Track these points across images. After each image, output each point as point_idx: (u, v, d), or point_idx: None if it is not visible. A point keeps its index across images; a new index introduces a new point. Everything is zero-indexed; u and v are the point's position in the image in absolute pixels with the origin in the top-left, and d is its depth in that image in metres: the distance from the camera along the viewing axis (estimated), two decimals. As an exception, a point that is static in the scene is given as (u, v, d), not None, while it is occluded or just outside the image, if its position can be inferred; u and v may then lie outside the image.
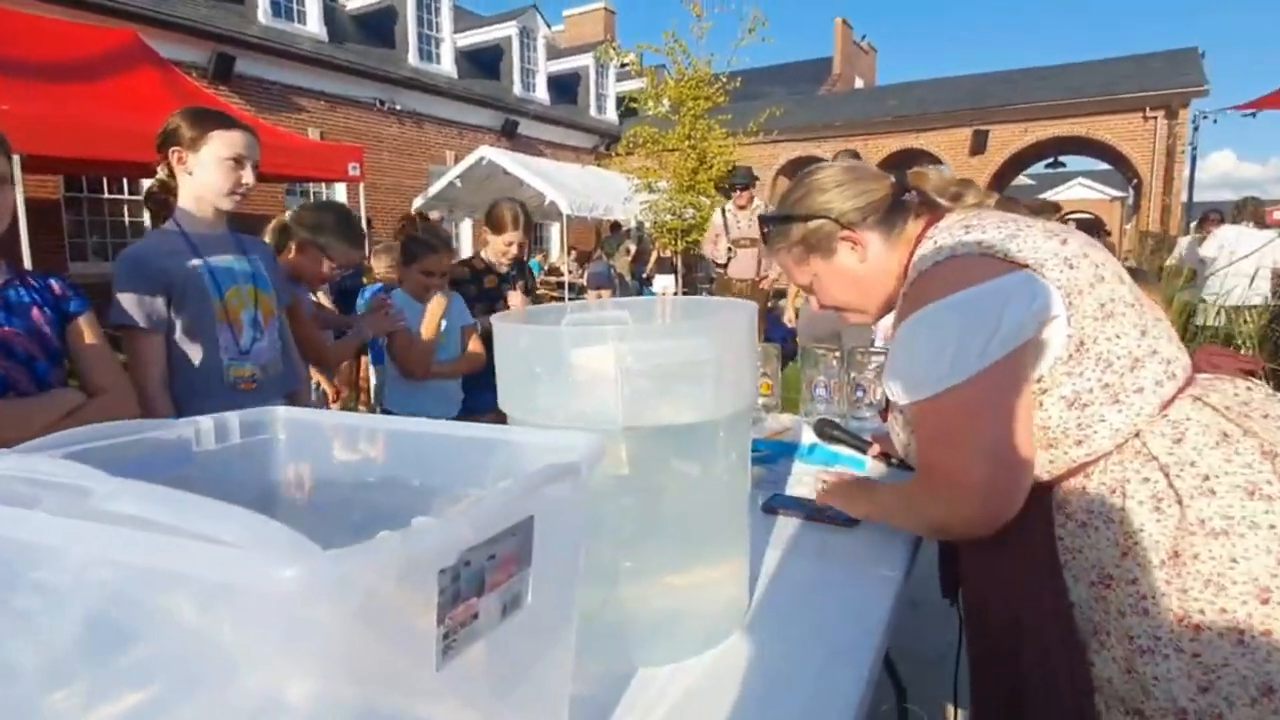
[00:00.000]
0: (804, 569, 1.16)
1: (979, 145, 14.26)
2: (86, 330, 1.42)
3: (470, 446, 0.73)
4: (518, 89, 16.09)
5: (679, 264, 9.63)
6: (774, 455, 1.73)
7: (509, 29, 16.19)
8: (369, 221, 8.60)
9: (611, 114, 18.60)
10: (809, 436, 1.84)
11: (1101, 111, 13.43)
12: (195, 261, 1.68)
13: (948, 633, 1.35)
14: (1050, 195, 18.44)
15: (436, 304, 2.50)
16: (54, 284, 1.42)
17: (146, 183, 1.81)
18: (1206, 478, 0.85)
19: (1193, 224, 8.29)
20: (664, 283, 6.23)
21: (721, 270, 5.78)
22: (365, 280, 4.37)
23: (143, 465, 0.69)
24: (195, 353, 1.67)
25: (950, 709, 1.97)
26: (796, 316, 4.64)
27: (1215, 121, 9.74)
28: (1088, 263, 0.93)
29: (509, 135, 15.06)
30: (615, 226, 11.80)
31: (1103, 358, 0.90)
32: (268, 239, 2.31)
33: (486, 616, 0.52)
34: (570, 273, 11.57)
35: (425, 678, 0.48)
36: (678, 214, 9.48)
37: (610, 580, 0.89)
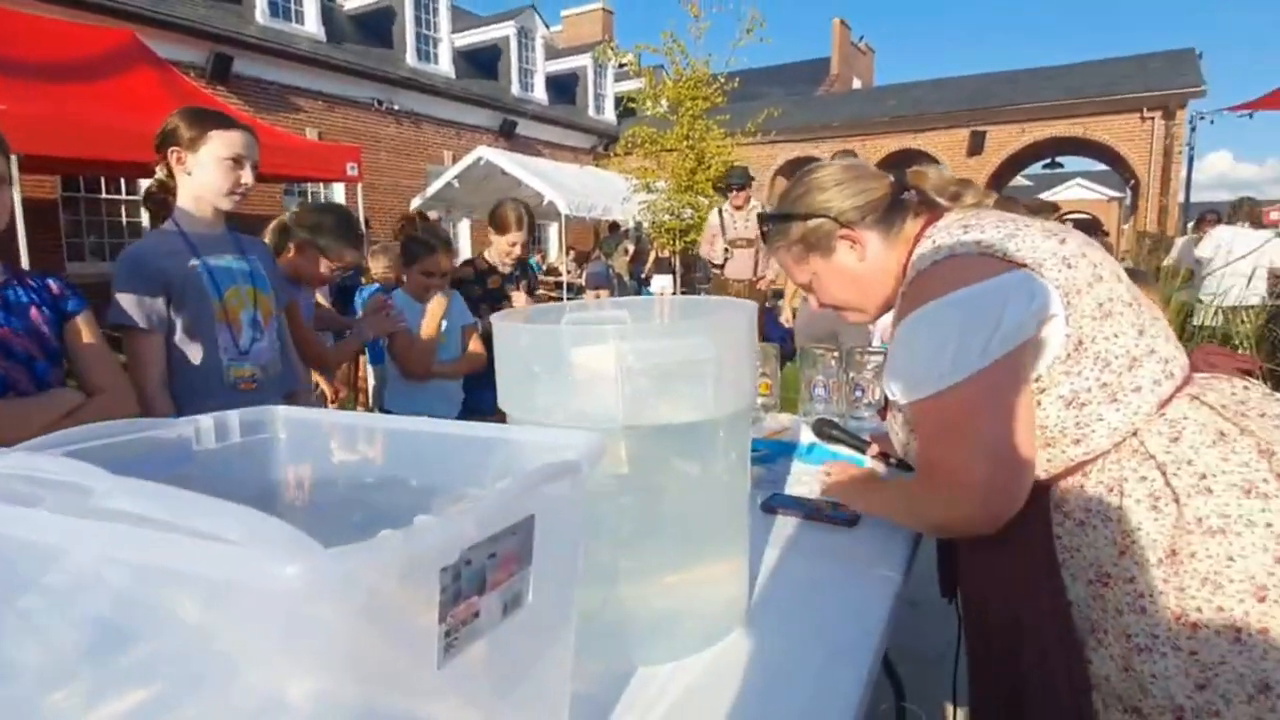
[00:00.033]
0: (803, 568, 1.17)
1: (976, 146, 14.28)
2: (85, 330, 1.42)
3: (470, 445, 0.73)
4: (516, 89, 16.08)
5: (677, 264, 9.63)
6: (773, 455, 1.73)
7: (507, 29, 16.19)
8: (366, 222, 8.59)
9: (610, 114, 18.60)
10: (808, 436, 1.84)
11: (1099, 112, 13.46)
12: (194, 261, 1.68)
13: (946, 632, 1.35)
14: (1048, 196, 18.44)
15: (437, 304, 2.50)
16: (52, 284, 1.42)
17: (144, 183, 1.81)
18: (1204, 476, 0.86)
19: (1190, 224, 8.32)
20: (661, 283, 6.23)
21: (718, 271, 5.77)
22: (363, 280, 4.37)
23: (142, 464, 0.69)
24: (195, 353, 1.67)
25: (949, 708, 1.97)
26: (794, 316, 4.65)
27: (1212, 122, 9.77)
28: (1086, 262, 0.93)
29: (507, 135, 15.06)
30: (614, 227, 11.80)
31: (1101, 357, 0.91)
32: (267, 240, 2.31)
33: (488, 615, 0.52)
34: (568, 273, 11.58)
35: (427, 676, 0.49)
36: (676, 214, 9.49)
37: (610, 579, 0.89)
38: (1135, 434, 0.91)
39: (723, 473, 0.94)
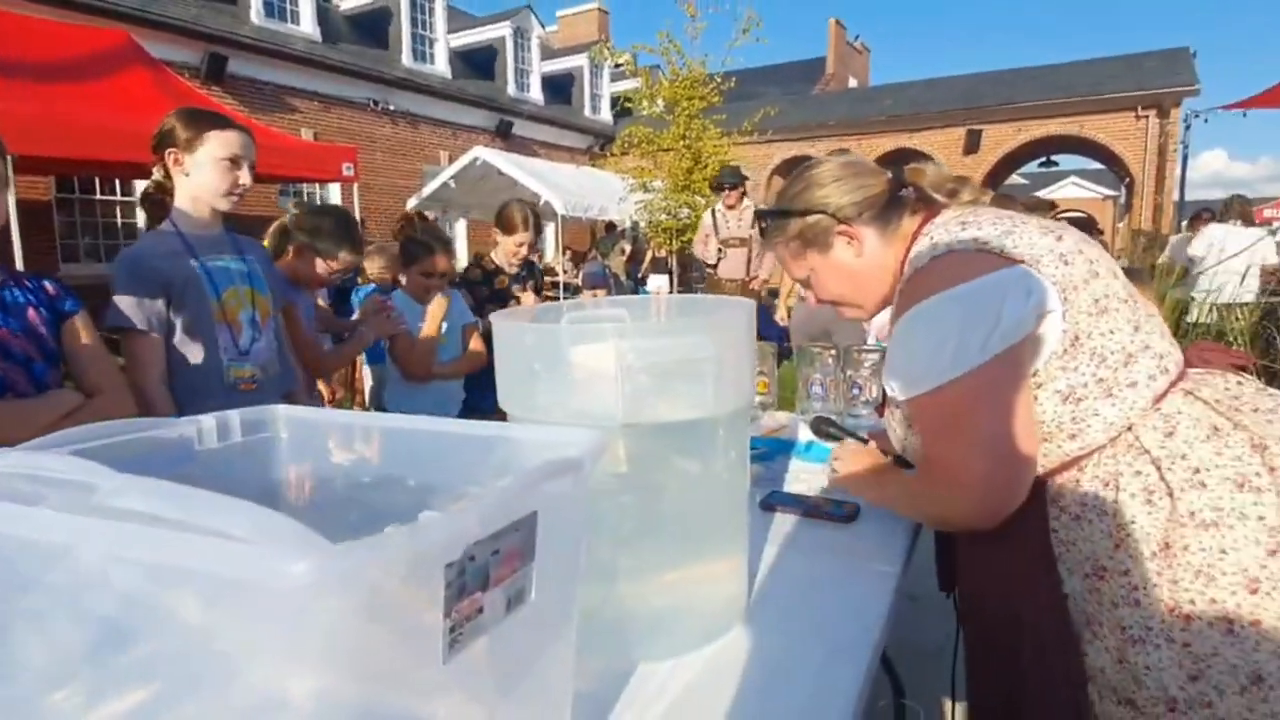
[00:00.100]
0: (802, 565, 1.17)
1: (972, 145, 14.32)
2: (82, 331, 1.42)
3: (470, 444, 0.73)
4: (512, 89, 16.07)
5: (673, 264, 9.64)
6: (771, 453, 1.74)
7: (503, 29, 16.18)
8: (362, 222, 8.58)
9: (606, 114, 18.60)
10: (805, 434, 1.85)
11: (1094, 111, 13.50)
12: (192, 262, 1.68)
13: (945, 627, 1.36)
14: (1043, 194, 18.50)
15: (437, 305, 2.50)
16: (48, 285, 1.42)
17: (139, 184, 1.81)
18: (1197, 470, 0.86)
19: (1184, 223, 8.35)
20: (658, 282, 6.23)
21: (711, 270, 5.76)
22: (360, 281, 4.36)
23: (144, 464, 0.69)
24: (194, 354, 1.67)
25: (948, 703, 1.98)
26: (789, 315, 4.66)
27: (1206, 121, 9.79)
28: (1082, 259, 0.94)
29: (503, 136, 15.04)
30: (610, 227, 11.80)
31: (1097, 352, 0.91)
32: (268, 242, 2.31)
33: (491, 611, 0.53)
34: (565, 272, 11.57)
35: (431, 672, 0.49)
36: (673, 214, 9.50)
37: (610, 577, 0.89)
38: (1130, 429, 0.91)
39: (722, 471, 0.95)
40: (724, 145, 9.58)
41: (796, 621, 1.00)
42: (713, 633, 0.95)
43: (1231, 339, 3.97)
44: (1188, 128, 10.33)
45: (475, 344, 2.69)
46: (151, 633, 0.47)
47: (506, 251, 2.93)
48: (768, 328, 4.87)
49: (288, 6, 12.03)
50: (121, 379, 1.48)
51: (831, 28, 24.92)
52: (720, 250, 5.60)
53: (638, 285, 10.52)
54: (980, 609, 1.05)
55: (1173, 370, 0.95)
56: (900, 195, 1.12)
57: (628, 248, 11.39)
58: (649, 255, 10.90)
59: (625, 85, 14.60)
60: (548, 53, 18.18)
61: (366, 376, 4.17)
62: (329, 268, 2.19)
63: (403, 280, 2.75)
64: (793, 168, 1.40)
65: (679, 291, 8.84)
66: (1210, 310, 4.47)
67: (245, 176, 1.73)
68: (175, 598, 0.44)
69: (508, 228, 2.90)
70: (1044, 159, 16.08)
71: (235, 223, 1.87)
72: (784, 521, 1.34)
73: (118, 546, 0.42)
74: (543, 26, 17.27)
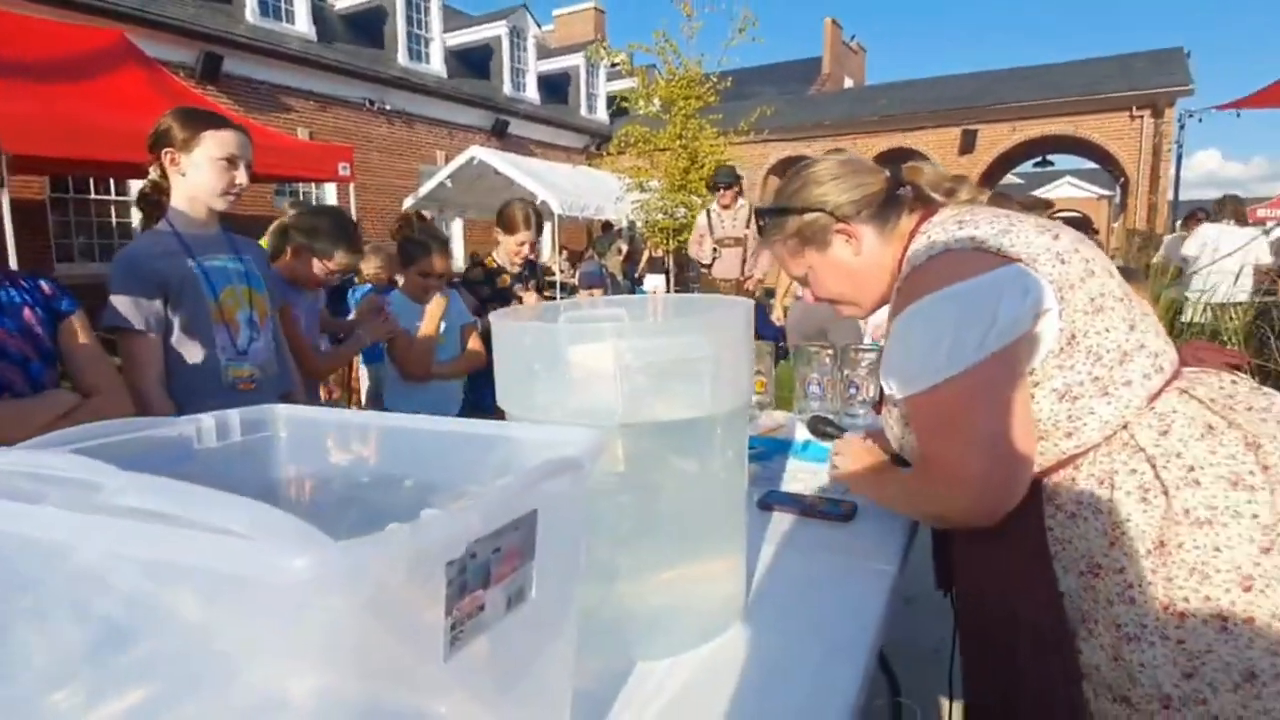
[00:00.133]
0: (799, 564, 1.17)
1: (968, 144, 14.35)
2: (79, 330, 1.41)
3: (470, 443, 0.73)
4: (508, 89, 16.05)
5: (670, 264, 9.65)
6: (768, 452, 1.74)
7: (499, 28, 16.15)
8: (358, 222, 8.56)
9: (602, 113, 18.59)
10: (803, 433, 1.85)
11: (1088, 110, 13.54)
12: (189, 262, 1.68)
13: (941, 627, 1.36)
14: (1039, 194, 18.55)
15: (436, 305, 2.50)
16: (44, 284, 1.42)
17: (134, 183, 1.81)
18: (1192, 468, 0.87)
19: (1179, 222, 8.38)
20: (654, 282, 6.25)
21: (706, 270, 5.76)
22: (356, 280, 4.36)
23: (143, 463, 0.69)
24: (192, 354, 1.67)
25: (944, 703, 1.98)
26: (785, 315, 4.66)
27: (1200, 120, 9.81)
28: (1078, 258, 0.94)
29: (499, 135, 15.03)
30: (607, 226, 11.80)
31: (1093, 351, 0.92)
32: (268, 242, 2.31)
33: (492, 609, 0.53)
34: (562, 272, 11.56)
35: (432, 670, 0.49)
36: (669, 213, 9.50)
37: (608, 576, 0.89)
38: (1125, 427, 0.92)
39: (720, 470, 0.95)
40: (720, 145, 9.59)
41: (794, 620, 1.00)
42: (711, 632, 0.96)
43: (1226, 338, 3.99)
44: (1182, 127, 10.36)
45: (474, 343, 2.69)
46: (153, 631, 0.47)
47: (508, 251, 2.93)
48: (764, 327, 4.88)
49: (283, 6, 12.00)
50: (119, 379, 1.48)
51: (827, 27, 24.95)
52: (715, 250, 5.60)
53: (634, 285, 10.52)
54: (976, 607, 1.05)
55: (1168, 369, 0.95)
56: (898, 194, 1.12)
57: (624, 247, 11.39)
58: (645, 255, 10.90)
59: (621, 85, 14.61)
60: (544, 52, 18.17)
61: (363, 376, 4.16)
62: (326, 268, 2.19)
63: (399, 280, 2.75)
64: (788, 167, 1.40)
65: (675, 291, 8.85)
66: (1204, 310, 4.49)
67: (242, 176, 1.73)
68: (176, 595, 0.44)
69: (510, 227, 2.90)
70: (1039, 159, 16.12)
71: (231, 222, 1.87)
72: (781, 521, 1.34)
73: (119, 544, 0.42)
74: (539, 26, 17.26)
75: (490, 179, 10.82)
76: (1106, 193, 21.49)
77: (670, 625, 0.94)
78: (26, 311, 1.34)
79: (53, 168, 7.73)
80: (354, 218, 2.77)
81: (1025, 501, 0.93)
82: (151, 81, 6.69)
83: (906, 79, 19.37)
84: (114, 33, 7.38)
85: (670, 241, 9.53)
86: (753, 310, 0.95)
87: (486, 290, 2.91)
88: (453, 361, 2.64)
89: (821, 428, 1.80)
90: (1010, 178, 18.36)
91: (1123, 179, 14.18)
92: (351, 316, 2.69)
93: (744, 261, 5.55)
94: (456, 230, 14.22)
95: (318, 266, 2.18)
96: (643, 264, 10.86)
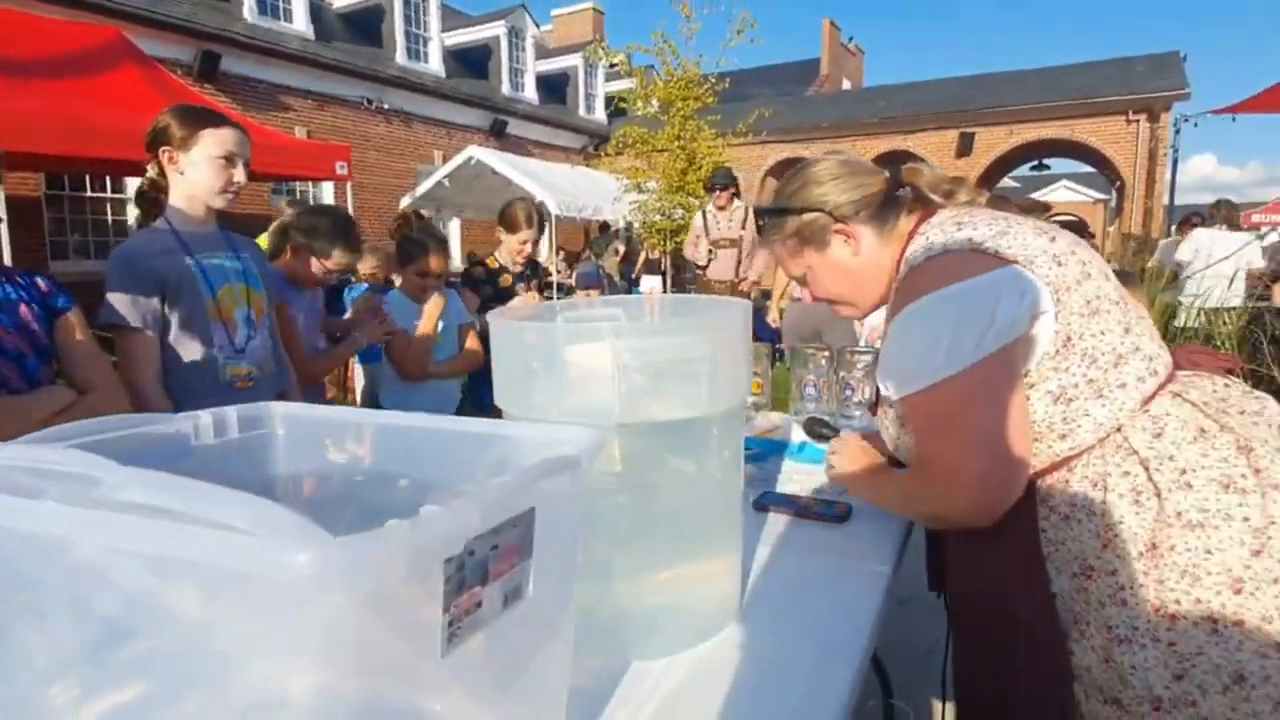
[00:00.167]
0: (794, 565, 1.18)
1: (965, 147, 14.39)
2: (76, 327, 1.41)
3: (467, 441, 0.74)
4: (506, 89, 16.05)
5: (667, 265, 9.65)
6: (764, 453, 1.74)
7: (497, 28, 16.15)
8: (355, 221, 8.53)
9: (600, 114, 18.59)
10: (798, 435, 1.86)
11: (1085, 114, 13.59)
12: (187, 260, 1.68)
13: (934, 629, 1.37)
14: (1035, 197, 18.60)
15: (434, 305, 2.50)
16: (40, 281, 1.41)
17: (130, 181, 1.81)
18: (1184, 471, 0.88)
19: (1173, 227, 8.42)
20: (650, 283, 6.24)
21: (701, 271, 5.75)
22: (353, 279, 4.35)
23: (141, 459, 0.69)
24: (189, 351, 1.67)
25: (936, 705, 1.99)
26: (781, 317, 4.67)
27: (1196, 125, 9.87)
28: (1075, 260, 0.95)
29: (497, 135, 15.02)
30: (604, 227, 11.80)
31: (1088, 353, 0.92)
32: (269, 241, 2.31)
33: (489, 606, 0.53)
34: (559, 273, 11.56)
35: (429, 666, 0.49)
36: (667, 214, 9.50)
37: (606, 575, 0.90)
38: (1119, 429, 0.92)
39: (717, 470, 0.96)
40: (718, 146, 9.60)
41: (789, 621, 1.01)
42: (707, 631, 0.96)
43: (1219, 343, 4.01)
44: (1178, 132, 10.42)
45: (471, 342, 2.69)
46: (153, 627, 0.47)
47: (510, 250, 2.94)
48: (760, 329, 4.88)
49: (281, 4, 11.98)
50: (115, 376, 1.48)
51: (826, 29, 24.99)
52: (711, 251, 5.59)
53: (631, 286, 10.52)
54: (969, 608, 1.06)
55: (1162, 372, 0.96)
56: (897, 195, 1.12)
57: (621, 248, 11.39)
58: (642, 256, 10.90)
59: (620, 85, 14.62)
60: (542, 52, 18.16)
61: (358, 375, 4.15)
62: (324, 267, 2.19)
63: (396, 280, 2.75)
64: (786, 169, 1.41)
65: (672, 292, 8.85)
66: (1198, 314, 4.51)
67: (240, 174, 1.73)
68: (177, 590, 0.44)
69: (512, 225, 2.90)
70: (1036, 162, 16.17)
71: (227, 221, 1.87)
72: (777, 522, 1.35)
73: (120, 539, 0.42)
74: (537, 26, 17.25)
75: (488, 179, 10.81)
76: (1102, 196, 21.57)
77: (667, 625, 0.95)
78: (23, 308, 1.34)
79: (48, 165, 7.70)
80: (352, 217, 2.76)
81: (1019, 503, 0.94)
82: (149, 79, 6.67)
83: (904, 81, 19.45)
84: (111, 30, 7.36)
85: (667, 243, 9.53)
86: (750, 311, 0.95)
87: (488, 290, 2.91)
88: (450, 361, 2.64)
89: (817, 429, 1.81)
90: (1007, 181, 18.42)
91: (1118, 183, 14.24)
92: (348, 315, 2.69)
93: (739, 263, 5.55)
94: (454, 230, 14.21)
95: (316, 266, 2.18)
96: (639, 265, 10.86)
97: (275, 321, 1.95)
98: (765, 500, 1.42)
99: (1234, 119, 8.55)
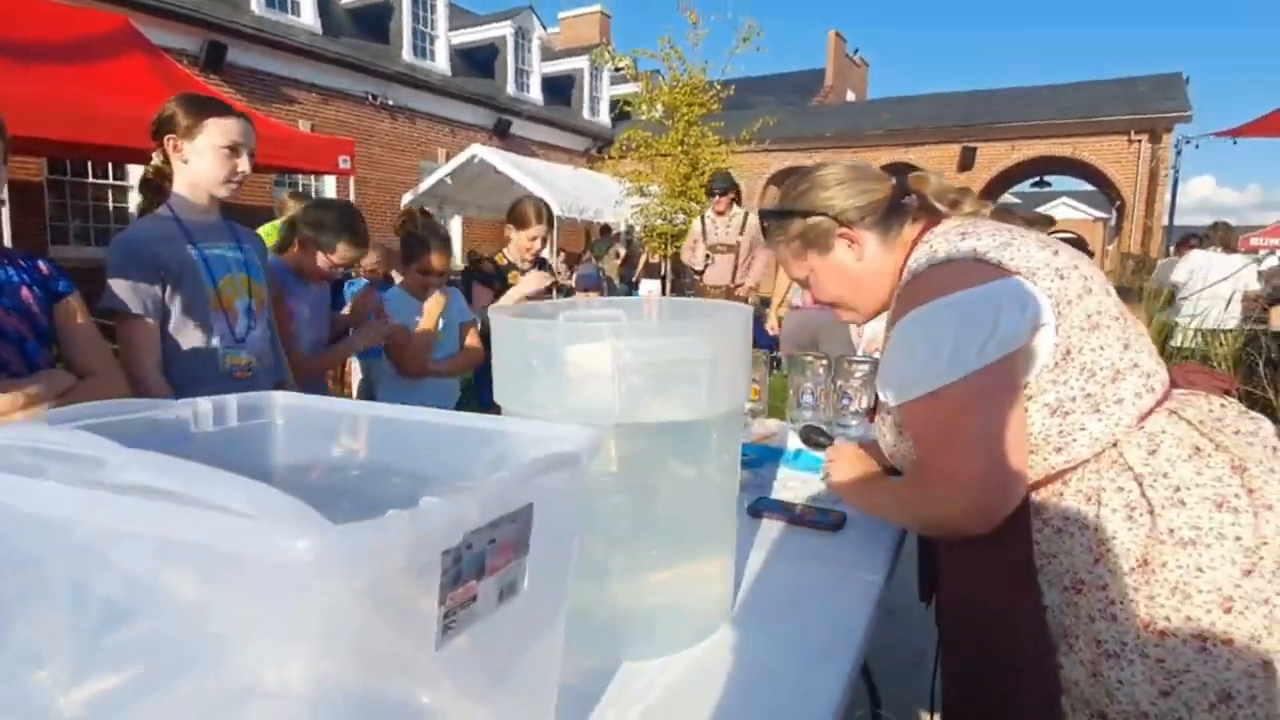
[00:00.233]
0: (787, 571, 1.18)
1: (967, 162, 14.44)
2: (76, 311, 1.41)
3: (466, 436, 0.74)
4: (511, 89, 16.08)
5: (667, 269, 9.65)
6: (760, 459, 1.75)
7: (504, 28, 16.19)
8: (359, 215, 8.52)
9: (605, 117, 18.63)
10: (795, 442, 1.86)
11: (1087, 133, 13.66)
12: (189, 248, 1.68)
13: (923, 640, 1.37)
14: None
15: (435, 303, 2.50)
16: (41, 264, 1.41)
17: (133, 168, 1.81)
18: (1178, 489, 0.88)
19: (1172, 247, 8.46)
20: (649, 286, 6.23)
21: (698, 276, 5.74)
22: (353, 274, 4.35)
23: (140, 444, 0.69)
24: (189, 340, 1.67)
25: (924, 716, 1.99)
26: (779, 324, 4.67)
27: (1197, 147, 9.94)
28: (1077, 274, 0.95)
29: (501, 135, 15.04)
30: (605, 230, 11.81)
31: (1086, 368, 0.93)
32: (277, 234, 2.31)
33: (485, 600, 0.53)
34: (559, 274, 11.56)
35: (424, 658, 0.49)
36: (668, 219, 9.51)
37: (602, 575, 0.90)
38: (1115, 445, 0.93)
39: (715, 473, 0.96)
40: (721, 153, 9.62)
41: (781, 625, 1.01)
42: (699, 633, 0.96)
43: (1216, 364, 4.02)
44: (1178, 153, 10.47)
45: (472, 340, 2.69)
46: (151, 610, 0.47)
47: (520, 246, 2.95)
48: (759, 336, 4.88)
49: (289, -3, 12.01)
50: (115, 362, 1.47)
51: (831, 40, 25.06)
52: (708, 256, 5.57)
53: (631, 289, 10.53)
54: (960, 618, 1.06)
55: (1159, 389, 0.96)
56: (903, 202, 1.13)
57: (622, 251, 11.40)
58: (643, 259, 10.91)
59: (625, 89, 14.64)
60: (548, 53, 18.20)
61: (355, 370, 4.15)
62: (329, 261, 2.19)
63: (396, 276, 2.75)
64: (788, 178, 1.41)
65: (670, 296, 8.83)
66: (1195, 335, 4.53)
67: (244, 164, 1.73)
68: (176, 573, 0.45)
69: (521, 222, 2.91)
70: (1037, 179, 16.24)
71: (229, 212, 1.87)
72: (771, 528, 1.35)
73: (120, 520, 0.42)
74: (544, 27, 17.29)
75: (490, 178, 10.83)
76: (1102, 215, 21.66)
77: (661, 626, 0.95)
78: (24, 291, 1.34)
79: (51, 150, 7.69)
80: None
81: (1013, 515, 0.94)
82: (155, 68, 6.66)
83: (908, 94, 19.49)
84: (119, 18, 7.36)
85: (668, 247, 9.54)
86: (751, 316, 0.95)
87: (497, 285, 2.92)
88: (450, 359, 2.64)
89: (814, 437, 1.81)
90: (1007, 196, 18.48)
91: (1118, 202, 14.30)
92: (346, 310, 2.68)
93: (736, 269, 5.53)
94: (455, 228, 14.21)
95: (321, 259, 2.18)
96: (640, 269, 10.87)
97: (273, 313, 1.95)
98: (760, 506, 1.42)
99: (1234, 142, 8.60)
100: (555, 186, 10.55)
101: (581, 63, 18.06)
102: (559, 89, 17.96)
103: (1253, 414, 0.99)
